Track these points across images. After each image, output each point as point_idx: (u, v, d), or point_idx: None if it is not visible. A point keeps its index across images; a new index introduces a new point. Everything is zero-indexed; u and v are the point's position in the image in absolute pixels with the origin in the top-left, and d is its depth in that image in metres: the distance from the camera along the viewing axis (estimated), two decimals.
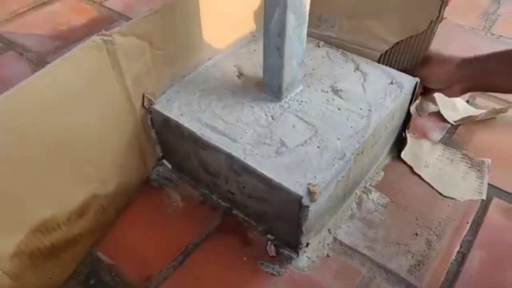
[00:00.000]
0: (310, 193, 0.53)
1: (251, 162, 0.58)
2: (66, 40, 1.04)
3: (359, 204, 0.69)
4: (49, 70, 0.51)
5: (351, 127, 0.63)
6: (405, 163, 0.74)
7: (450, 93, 0.74)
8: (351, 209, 0.68)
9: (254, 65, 0.73)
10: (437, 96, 0.79)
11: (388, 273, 0.61)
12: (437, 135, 0.80)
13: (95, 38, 0.54)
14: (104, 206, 0.64)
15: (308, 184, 0.55)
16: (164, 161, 0.75)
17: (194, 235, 0.65)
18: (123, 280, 0.60)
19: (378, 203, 0.69)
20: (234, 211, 0.68)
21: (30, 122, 0.50)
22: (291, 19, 0.57)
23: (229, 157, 0.60)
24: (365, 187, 0.71)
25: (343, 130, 0.62)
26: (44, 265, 0.57)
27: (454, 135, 0.80)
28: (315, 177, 0.56)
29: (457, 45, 0.99)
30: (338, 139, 0.61)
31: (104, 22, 1.10)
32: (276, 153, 0.59)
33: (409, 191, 0.71)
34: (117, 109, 0.61)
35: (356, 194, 0.70)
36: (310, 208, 0.54)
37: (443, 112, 0.82)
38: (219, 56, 0.75)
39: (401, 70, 0.72)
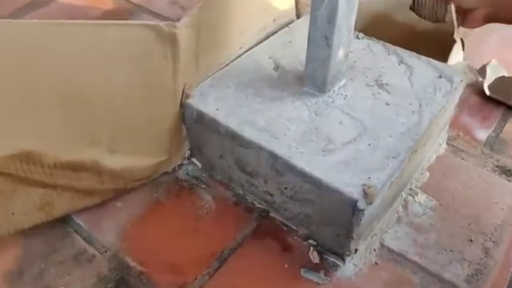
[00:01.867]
0: (367, 195, 0.49)
1: (297, 161, 0.53)
2: None
3: (405, 207, 0.64)
4: (101, 23, 0.49)
5: (402, 123, 0.58)
6: (450, 163, 0.70)
7: (471, 21, 0.68)
8: (397, 213, 0.63)
9: (291, 57, 0.68)
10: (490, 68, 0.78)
11: (443, 282, 0.56)
12: (482, 133, 0.75)
13: (164, 25, 0.52)
14: (104, 180, 0.60)
15: (363, 185, 0.50)
16: (194, 160, 0.70)
17: (230, 240, 0.61)
18: None
19: (426, 206, 0.64)
20: (272, 214, 0.63)
21: (55, 56, 0.49)
22: (342, 4, 0.52)
23: (272, 155, 0.55)
24: (410, 189, 0.66)
25: (394, 127, 0.57)
26: (11, 196, 0.53)
27: (501, 134, 0.75)
28: (369, 178, 0.51)
29: (496, 38, 0.94)
30: (390, 136, 0.56)
31: (123, 14, 1.05)
32: (324, 151, 0.54)
33: (457, 193, 0.66)
34: (159, 98, 0.58)
35: (402, 196, 0.65)
36: (365, 212, 0.49)
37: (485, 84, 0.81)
38: (253, 49, 0.70)
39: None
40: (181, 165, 0.69)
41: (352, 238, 0.53)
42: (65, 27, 0.49)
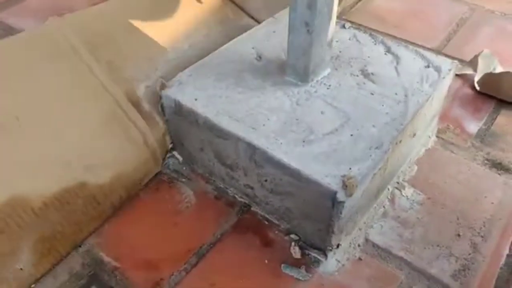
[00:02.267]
0: (346, 187, 0.46)
1: (275, 152, 0.51)
2: None
3: (392, 201, 0.62)
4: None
5: (387, 113, 0.55)
6: (439, 156, 0.67)
7: None
8: (384, 207, 0.61)
9: (274, 47, 0.66)
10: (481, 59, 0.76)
11: (429, 279, 0.53)
12: (473, 126, 0.73)
13: None
14: (97, 198, 0.57)
15: (343, 176, 0.47)
16: (175, 153, 0.68)
17: (209, 235, 0.58)
18: (129, 285, 0.53)
19: (413, 200, 0.62)
20: (253, 208, 0.61)
21: None
22: None
23: (250, 146, 0.53)
24: (397, 183, 0.64)
25: (378, 117, 0.55)
26: (12, 254, 0.50)
27: (492, 126, 0.72)
28: (350, 169, 0.49)
29: (489, 30, 0.92)
30: (374, 126, 0.54)
31: None
32: (304, 142, 0.52)
33: (446, 187, 0.63)
34: (113, 97, 0.55)
35: (389, 190, 0.63)
36: (345, 204, 0.47)
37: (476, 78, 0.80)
38: (236, 39, 0.68)
39: None
40: (163, 158, 0.67)
41: (333, 232, 0.51)
42: None
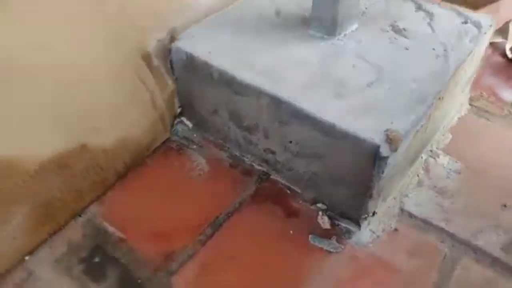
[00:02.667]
0: (391, 141, 0.40)
1: (305, 105, 0.45)
2: None
3: (426, 169, 0.56)
4: None
5: (426, 68, 0.50)
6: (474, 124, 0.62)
7: None
8: (418, 175, 0.55)
9: (292, 2, 0.60)
10: None
11: (476, 251, 0.48)
12: (508, 94, 0.67)
13: None
14: (100, 163, 0.51)
15: (386, 130, 0.41)
16: (183, 119, 0.61)
17: (225, 204, 0.52)
18: (137, 258, 0.47)
19: (450, 168, 0.56)
20: (273, 176, 0.55)
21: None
22: None
23: (275, 101, 0.46)
24: (431, 151, 0.58)
25: (417, 72, 0.49)
26: (6, 221, 0.44)
27: None
28: (391, 123, 0.43)
29: None
30: (413, 81, 0.48)
31: None
32: (336, 95, 0.46)
33: (485, 155, 0.58)
34: (123, 49, 0.49)
35: (422, 158, 0.57)
36: (388, 161, 0.41)
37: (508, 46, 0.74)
38: None
39: None
40: (172, 124, 0.61)
41: (371, 196, 0.45)
42: None
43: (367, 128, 0.42)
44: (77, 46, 0.45)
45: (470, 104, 0.65)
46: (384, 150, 0.40)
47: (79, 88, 0.47)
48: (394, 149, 0.40)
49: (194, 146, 0.59)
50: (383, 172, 0.42)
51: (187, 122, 0.61)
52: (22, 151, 0.44)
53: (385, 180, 0.44)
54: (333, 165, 0.46)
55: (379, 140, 0.41)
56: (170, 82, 0.57)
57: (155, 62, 0.54)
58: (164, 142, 0.59)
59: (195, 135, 0.60)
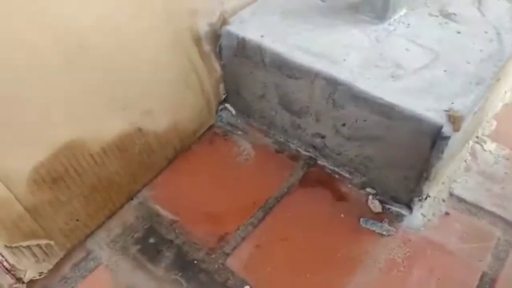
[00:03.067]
0: (454, 120, 0.40)
1: (363, 86, 0.45)
2: None
3: (473, 155, 0.56)
4: None
5: (481, 50, 0.49)
6: None
7: None
8: (465, 161, 0.55)
9: None
10: None
11: None
12: None
13: None
14: (152, 147, 0.51)
15: (448, 110, 0.41)
16: (227, 105, 0.62)
17: (274, 188, 0.52)
18: (190, 240, 0.48)
19: (498, 154, 0.56)
20: (319, 162, 0.55)
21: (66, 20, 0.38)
22: None
23: (331, 82, 0.46)
24: (477, 137, 0.58)
25: (471, 54, 0.49)
26: (69, 203, 0.44)
27: None
28: (452, 103, 0.43)
29: None
30: (468, 63, 0.48)
31: None
32: (393, 76, 0.46)
33: None
34: (176, 31, 0.49)
35: (469, 144, 0.57)
36: (449, 142, 0.41)
37: None
38: None
39: None
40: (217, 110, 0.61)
41: (427, 178, 0.45)
42: None
43: (429, 108, 0.42)
44: (134, 27, 0.45)
45: None
46: (446, 130, 0.40)
47: (135, 70, 0.47)
48: (457, 129, 0.40)
49: (239, 132, 0.59)
50: (442, 152, 0.42)
51: (231, 109, 0.61)
52: (87, 134, 0.44)
53: (445, 161, 0.44)
54: (389, 147, 0.46)
55: (441, 120, 0.41)
56: (217, 67, 0.57)
57: (206, 46, 0.54)
58: (209, 128, 0.59)
59: (239, 121, 0.61)
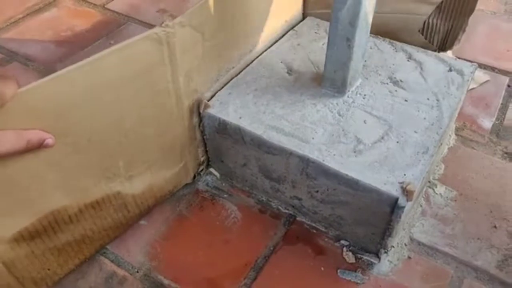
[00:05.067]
0: (407, 192, 0.49)
1: (331, 164, 0.53)
2: (72, 46, 0.96)
3: (427, 199, 0.65)
4: (98, 58, 0.45)
5: (425, 118, 0.59)
6: (462, 153, 0.72)
7: None
8: (421, 206, 0.65)
9: (302, 60, 0.68)
10: None
11: (476, 270, 0.57)
12: (487, 122, 0.77)
13: (157, 30, 0.48)
14: (128, 207, 0.59)
15: (401, 182, 0.50)
16: (212, 170, 0.69)
17: (261, 248, 0.60)
18: None
19: (447, 197, 0.66)
20: (299, 218, 0.63)
21: (66, 108, 0.46)
22: (365, 5, 0.52)
23: (303, 160, 0.55)
24: (429, 182, 0.67)
25: (418, 123, 0.58)
26: (43, 255, 0.52)
27: (504, 121, 0.77)
28: (404, 175, 0.52)
29: (483, 29, 0.97)
30: (415, 132, 0.57)
31: (112, 25, 1.02)
32: (355, 151, 0.54)
33: (474, 182, 0.67)
34: (164, 107, 0.56)
35: (423, 189, 0.66)
36: (405, 209, 0.50)
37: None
38: (263, 54, 0.70)
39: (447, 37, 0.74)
40: (199, 176, 0.68)
41: (390, 235, 0.54)
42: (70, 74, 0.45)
43: (385, 182, 0.51)
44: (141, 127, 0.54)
45: (456, 134, 0.75)
46: (401, 201, 0.49)
47: (130, 146, 0.54)
48: (410, 199, 0.49)
49: (225, 195, 0.66)
50: (400, 217, 0.51)
51: (215, 173, 0.68)
52: (72, 199, 0.52)
53: (403, 222, 0.53)
54: (355, 210, 0.55)
55: (396, 193, 0.50)
56: (198, 135, 0.64)
57: (194, 119, 0.61)
58: (197, 194, 0.66)
59: (223, 184, 0.68)
